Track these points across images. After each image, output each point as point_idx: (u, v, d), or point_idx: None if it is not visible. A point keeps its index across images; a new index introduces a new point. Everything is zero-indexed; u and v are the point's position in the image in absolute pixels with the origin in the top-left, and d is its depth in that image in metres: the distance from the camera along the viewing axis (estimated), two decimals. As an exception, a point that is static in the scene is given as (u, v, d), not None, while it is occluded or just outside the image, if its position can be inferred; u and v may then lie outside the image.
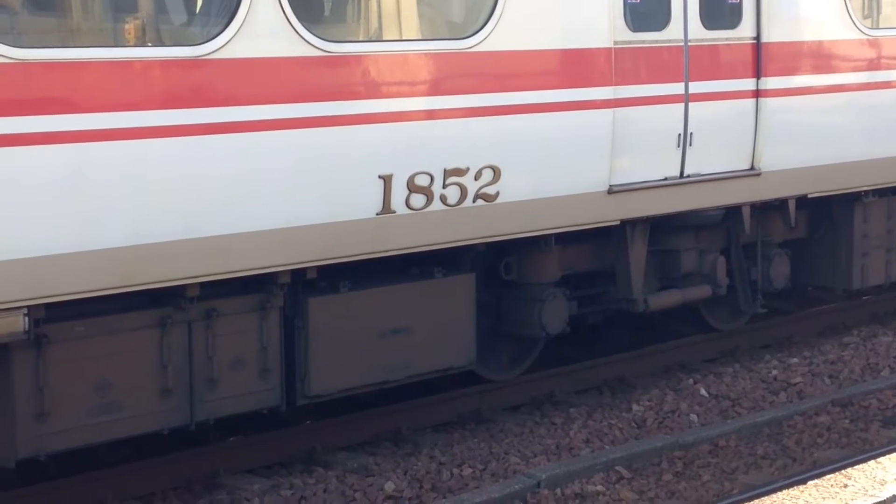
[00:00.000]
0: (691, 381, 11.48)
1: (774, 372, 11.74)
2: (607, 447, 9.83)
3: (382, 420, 10.12)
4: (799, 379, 11.54)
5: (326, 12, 9.03)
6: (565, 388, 11.15)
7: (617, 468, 9.25)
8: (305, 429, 9.86)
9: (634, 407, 10.77)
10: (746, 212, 11.44)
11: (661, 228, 11.01)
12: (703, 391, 11.18)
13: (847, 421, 10.40)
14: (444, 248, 9.54)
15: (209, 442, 9.47)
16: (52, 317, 7.83)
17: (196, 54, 8.02)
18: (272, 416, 9.43)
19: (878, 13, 12.60)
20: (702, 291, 11.40)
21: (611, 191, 10.22)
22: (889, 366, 12.00)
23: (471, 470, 9.35)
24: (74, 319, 7.99)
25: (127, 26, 8.03)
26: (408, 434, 10.07)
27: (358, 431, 9.97)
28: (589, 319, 11.30)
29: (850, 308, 13.66)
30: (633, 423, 10.43)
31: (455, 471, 9.35)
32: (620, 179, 10.27)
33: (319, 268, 8.91)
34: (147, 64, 7.88)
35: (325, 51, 8.53)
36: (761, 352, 12.46)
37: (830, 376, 11.70)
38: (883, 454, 9.37)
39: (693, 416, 10.61)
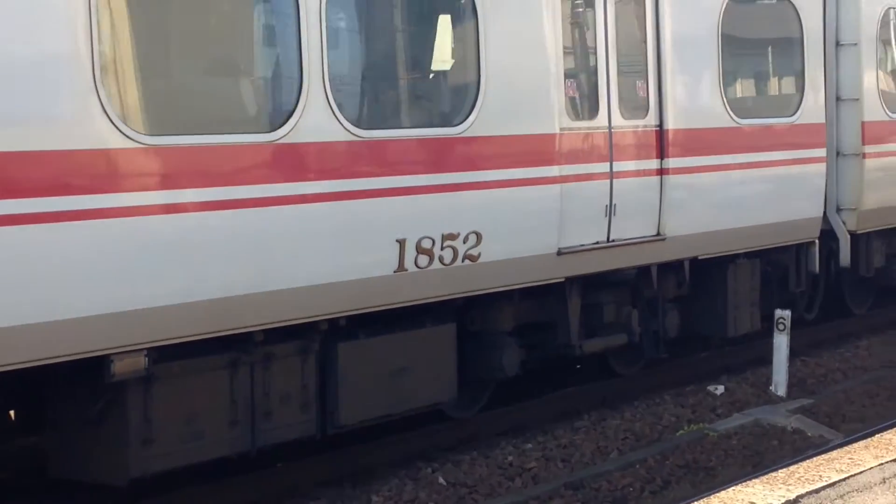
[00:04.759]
0: (430, 469, 11.59)
1: (510, 458, 11.96)
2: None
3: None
4: (533, 464, 11.81)
5: (359, 105, 10.81)
6: (307, 481, 11.18)
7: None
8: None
9: (374, 498, 10.89)
10: (654, 271, 13.61)
11: (589, 285, 13.06)
12: (441, 479, 11.37)
13: (579, 503, 10.94)
14: (431, 302, 11.37)
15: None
16: (156, 358, 9.40)
17: (269, 139, 9.77)
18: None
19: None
20: (620, 339, 13.49)
21: (559, 252, 12.22)
22: (618, 448, 12.43)
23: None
24: (171, 361, 9.57)
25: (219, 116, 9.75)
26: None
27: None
28: (529, 365, 13.20)
29: (581, 393, 14.15)
30: (375, 515, 10.59)
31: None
32: (566, 243, 12.26)
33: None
34: (234, 147, 9.58)
35: (359, 136, 10.37)
36: (497, 438, 12.58)
37: (563, 460, 12.01)
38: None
39: (432, 506, 10.83)
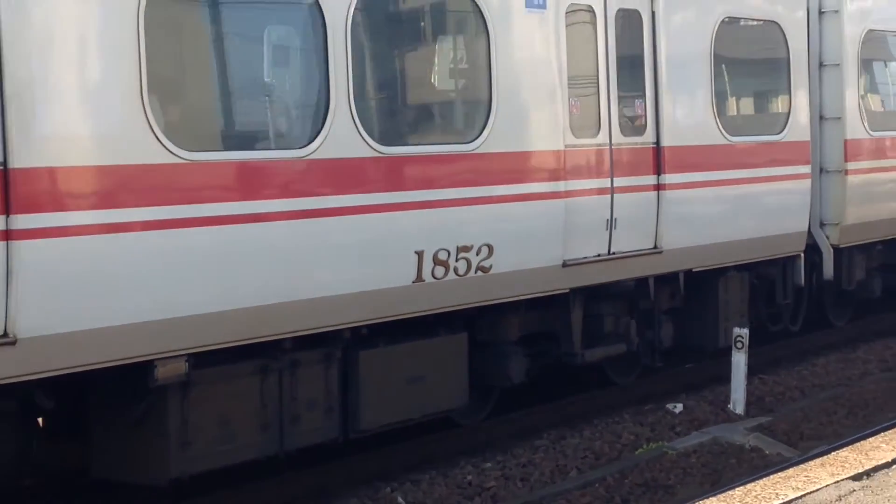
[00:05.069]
0: (389, 489, 11.56)
1: (469, 477, 11.93)
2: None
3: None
4: (492, 483, 11.80)
5: (381, 122, 11.31)
6: (267, 502, 11.15)
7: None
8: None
9: (334, 518, 10.84)
10: (651, 283, 14.14)
11: (590, 296, 13.58)
12: (400, 499, 11.36)
13: (539, 522, 10.92)
14: (443, 312, 11.86)
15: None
16: (193, 364, 9.84)
17: (299, 156, 10.26)
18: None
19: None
20: (619, 348, 14.01)
21: (564, 265, 12.74)
22: (577, 467, 12.39)
23: None
24: (206, 367, 10.02)
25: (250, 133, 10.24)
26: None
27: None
28: (532, 372, 13.68)
29: (540, 411, 14.18)
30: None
31: None
32: (570, 255, 12.79)
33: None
34: (265, 164, 10.07)
35: (381, 152, 10.87)
36: (457, 457, 12.53)
37: (522, 479, 11.99)
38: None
39: (391, 526, 10.87)
